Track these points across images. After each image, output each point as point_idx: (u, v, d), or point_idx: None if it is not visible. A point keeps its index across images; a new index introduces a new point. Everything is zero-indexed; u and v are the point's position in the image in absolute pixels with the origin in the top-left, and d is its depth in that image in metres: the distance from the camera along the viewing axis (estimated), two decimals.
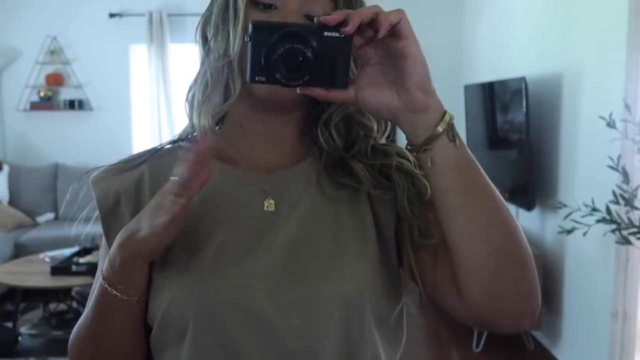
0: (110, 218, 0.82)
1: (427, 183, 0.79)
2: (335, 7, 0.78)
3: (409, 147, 0.72)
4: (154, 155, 0.86)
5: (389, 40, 0.67)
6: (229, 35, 0.77)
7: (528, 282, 0.72)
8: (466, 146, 0.71)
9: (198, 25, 0.83)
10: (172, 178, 0.70)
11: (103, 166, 0.85)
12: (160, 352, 0.80)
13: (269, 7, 0.76)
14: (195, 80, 0.82)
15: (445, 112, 0.69)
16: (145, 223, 0.72)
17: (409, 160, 0.83)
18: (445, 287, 0.77)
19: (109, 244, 0.80)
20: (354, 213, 0.82)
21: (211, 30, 0.80)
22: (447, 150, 0.69)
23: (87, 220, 0.86)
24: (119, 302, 0.75)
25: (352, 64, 0.70)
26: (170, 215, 0.70)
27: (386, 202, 0.82)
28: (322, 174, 0.84)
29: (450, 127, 0.69)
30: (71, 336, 0.83)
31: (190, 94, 0.83)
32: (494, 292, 0.71)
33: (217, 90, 0.79)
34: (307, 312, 0.75)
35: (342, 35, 0.67)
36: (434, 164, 0.70)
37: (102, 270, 0.77)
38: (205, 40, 0.82)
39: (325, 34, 0.67)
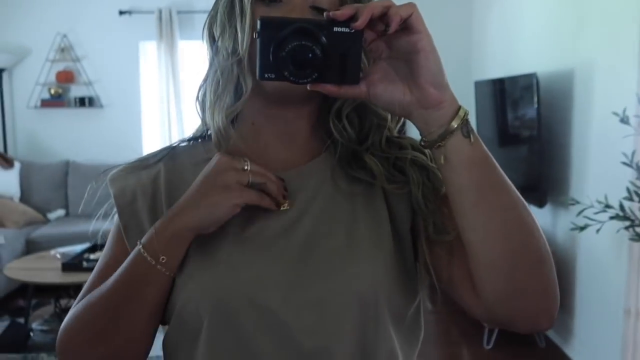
0: (128, 214, 0.83)
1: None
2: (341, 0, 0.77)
3: (422, 144, 0.71)
4: (169, 153, 0.87)
5: (400, 34, 0.66)
6: (236, 32, 0.77)
7: (546, 280, 0.71)
8: (481, 142, 0.69)
9: (205, 25, 0.83)
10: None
11: (120, 165, 0.86)
12: (175, 352, 0.79)
13: (274, 0, 0.76)
14: (205, 80, 0.82)
15: (459, 107, 0.68)
16: (208, 199, 0.74)
17: (424, 153, 0.82)
18: (461, 284, 0.76)
19: (128, 239, 0.82)
20: (369, 208, 0.81)
21: (218, 29, 0.80)
22: (461, 147, 0.68)
23: (104, 217, 0.87)
24: (153, 274, 0.75)
25: (363, 59, 0.69)
26: (241, 200, 0.73)
27: (401, 197, 0.81)
28: (336, 169, 0.83)
29: (465, 122, 0.68)
30: (62, 328, 0.80)
31: (200, 93, 0.83)
32: (510, 291, 0.70)
33: (228, 89, 0.79)
34: (322, 311, 0.74)
35: (352, 30, 0.65)
36: (447, 160, 0.69)
37: (141, 242, 0.76)
38: (213, 40, 0.81)
39: (335, 29, 0.66)
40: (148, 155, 0.88)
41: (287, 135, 0.84)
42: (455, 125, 0.67)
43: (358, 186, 0.82)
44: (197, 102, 0.84)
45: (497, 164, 0.70)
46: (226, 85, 0.79)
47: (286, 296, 0.74)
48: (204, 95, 0.82)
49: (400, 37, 0.66)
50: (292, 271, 0.75)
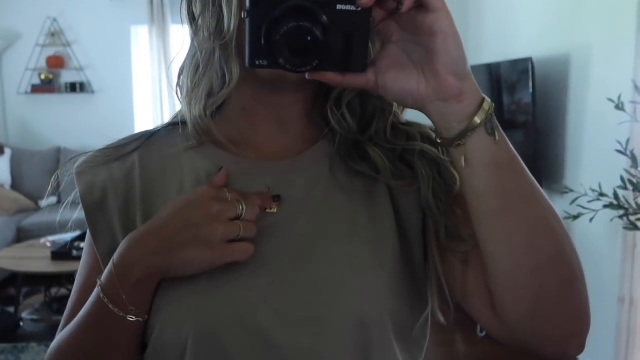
0: (96, 213, 0.72)
1: (456, 174, 0.67)
2: None
3: (439, 141, 0.60)
4: (145, 142, 0.75)
5: (414, 13, 0.55)
6: (221, 10, 0.65)
7: (577, 302, 0.62)
8: (508, 141, 0.59)
9: (182, 1, 0.71)
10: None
11: (89, 152, 0.75)
12: None
13: None
14: (184, 64, 0.72)
15: (483, 100, 0.58)
16: (183, 251, 0.62)
17: (434, 144, 0.70)
18: (478, 299, 0.66)
19: (96, 241, 0.72)
20: (372, 208, 0.71)
21: (198, 5, 0.68)
22: (484, 146, 0.57)
23: (74, 204, 0.78)
24: (122, 322, 0.65)
25: (370, 42, 0.58)
26: (221, 262, 0.63)
27: (409, 195, 0.71)
28: (335, 160, 0.72)
29: (490, 118, 0.57)
30: (50, 353, 0.72)
31: (181, 79, 0.73)
32: (536, 314, 0.61)
33: (208, 76, 0.69)
34: (318, 332, 0.64)
35: (359, 9, 0.56)
36: (468, 162, 0.58)
37: (100, 283, 0.65)
38: (193, 18, 0.70)
39: (338, 7, 0.56)
40: (122, 141, 0.76)
41: (281, 121, 0.73)
42: (479, 121, 0.57)
43: (359, 180, 0.72)
44: (178, 89, 0.74)
45: (525, 167, 0.60)
46: (206, 71, 0.68)
47: (278, 315, 0.64)
48: (183, 80, 0.73)
49: (415, 17, 0.55)
50: (284, 285, 0.65)
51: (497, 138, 0.58)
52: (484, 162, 0.58)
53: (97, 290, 0.65)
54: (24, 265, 3.49)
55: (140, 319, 0.65)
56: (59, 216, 0.93)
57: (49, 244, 3.71)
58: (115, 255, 0.65)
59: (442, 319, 0.73)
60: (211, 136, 0.72)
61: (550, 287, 0.60)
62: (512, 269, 0.60)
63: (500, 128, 0.59)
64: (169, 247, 0.63)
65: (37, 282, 3.83)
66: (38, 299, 3.73)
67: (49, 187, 0.80)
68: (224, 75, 0.69)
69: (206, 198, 0.64)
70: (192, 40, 0.71)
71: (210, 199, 0.64)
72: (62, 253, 3.47)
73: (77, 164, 0.75)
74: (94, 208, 0.73)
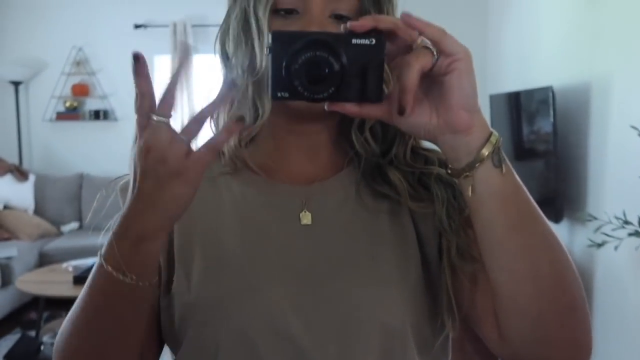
0: None
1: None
2: (360, 4, 0.71)
3: (449, 172, 0.64)
4: None
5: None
6: (253, 49, 0.71)
7: (578, 329, 0.64)
8: (514, 173, 0.62)
9: (216, 39, 0.77)
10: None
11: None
12: None
13: (290, 12, 0.70)
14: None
15: (490, 134, 0.62)
16: (158, 201, 0.60)
17: None
18: (484, 319, 0.70)
19: None
20: (396, 228, 0.76)
21: (231, 46, 0.74)
22: (491, 178, 0.61)
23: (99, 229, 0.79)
24: (123, 287, 0.63)
25: (386, 74, 0.63)
26: (196, 179, 0.60)
27: (427, 216, 0.75)
28: (361, 184, 0.78)
29: (497, 150, 0.61)
30: (58, 339, 0.72)
31: (215, 113, 0.78)
32: (537, 338, 0.64)
33: (242, 109, 0.75)
34: (345, 340, 0.68)
35: (373, 42, 0.60)
36: (475, 192, 0.62)
37: (100, 254, 0.64)
38: (226, 56, 0.76)
39: (354, 41, 0.60)
40: None
41: (310, 149, 0.79)
42: (486, 153, 0.61)
43: (384, 202, 0.77)
44: (212, 121, 0.78)
45: (530, 198, 0.63)
46: (240, 105, 0.74)
47: (307, 322, 0.69)
48: (218, 115, 0.78)
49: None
50: (314, 293, 0.70)
51: (504, 170, 0.61)
52: (490, 193, 0.61)
53: (97, 261, 0.65)
54: (45, 290, 3.53)
55: (141, 284, 0.64)
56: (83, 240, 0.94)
57: (70, 269, 3.74)
58: (113, 228, 0.64)
59: (450, 332, 0.76)
60: (245, 163, 0.78)
61: (550, 314, 0.63)
62: (514, 294, 0.63)
63: (507, 160, 0.62)
64: (150, 201, 0.61)
65: (59, 307, 3.85)
66: (59, 324, 3.74)
67: (94, 203, 0.80)
68: (256, 108, 0.74)
69: (139, 152, 0.61)
70: (226, 77, 0.76)
71: (143, 151, 0.61)
72: (84, 277, 3.46)
73: (120, 183, 0.78)
74: None
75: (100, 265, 0.64)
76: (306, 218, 0.75)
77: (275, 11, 0.71)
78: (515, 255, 0.62)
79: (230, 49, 0.75)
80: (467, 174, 0.61)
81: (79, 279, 3.48)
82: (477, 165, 0.61)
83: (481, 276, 0.70)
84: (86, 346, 0.69)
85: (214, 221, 0.76)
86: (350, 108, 0.62)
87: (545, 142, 3.42)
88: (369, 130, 0.77)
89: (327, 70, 0.59)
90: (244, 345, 0.68)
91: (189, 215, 0.73)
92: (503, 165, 0.61)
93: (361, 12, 0.71)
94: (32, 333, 3.63)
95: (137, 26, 5.25)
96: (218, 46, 0.77)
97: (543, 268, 0.62)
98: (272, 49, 0.61)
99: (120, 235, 0.62)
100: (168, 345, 0.78)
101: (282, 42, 0.60)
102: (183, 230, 0.75)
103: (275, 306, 0.69)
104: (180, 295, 0.73)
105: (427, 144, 0.77)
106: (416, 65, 0.58)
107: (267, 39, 0.69)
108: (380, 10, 0.72)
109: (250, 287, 0.70)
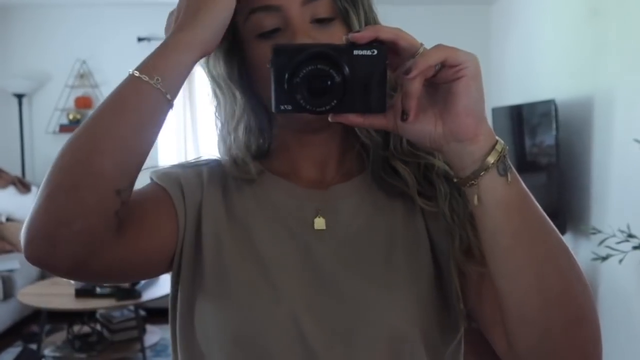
0: (170, 183, 0.77)
1: None
2: (335, 4, 0.72)
3: (455, 181, 0.64)
4: (212, 164, 0.83)
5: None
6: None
7: (586, 340, 0.63)
8: (521, 182, 0.62)
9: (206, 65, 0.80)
10: None
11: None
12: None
13: (274, 32, 0.71)
14: (219, 115, 0.80)
15: (496, 142, 0.61)
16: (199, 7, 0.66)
17: None
18: (493, 328, 0.69)
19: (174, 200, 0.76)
20: (409, 231, 0.76)
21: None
22: (496, 186, 0.60)
23: None
24: (148, 90, 0.64)
25: (389, 83, 0.63)
26: None
27: (438, 216, 0.75)
28: (374, 187, 0.78)
29: (502, 159, 0.60)
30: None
31: (219, 129, 0.81)
32: (544, 349, 0.63)
33: (243, 125, 0.78)
34: (352, 343, 0.69)
35: (375, 53, 0.60)
36: (480, 201, 0.61)
37: (132, 70, 0.66)
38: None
39: (355, 52, 0.60)
40: (185, 162, 0.85)
41: (320, 159, 0.80)
42: (492, 161, 0.60)
43: (398, 201, 0.77)
44: (220, 143, 0.81)
45: (538, 206, 0.63)
46: (238, 123, 0.78)
47: (318, 324, 0.69)
48: (223, 127, 0.81)
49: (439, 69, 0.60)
50: (328, 295, 0.71)
51: (510, 179, 0.61)
52: (495, 202, 0.61)
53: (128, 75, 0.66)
54: (47, 302, 3.51)
55: (164, 90, 0.65)
56: None
57: (72, 282, 3.73)
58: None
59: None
60: (262, 171, 0.80)
61: (557, 325, 0.61)
62: (520, 304, 0.62)
63: (513, 169, 0.61)
64: (192, 10, 0.67)
65: (60, 319, 3.84)
66: (60, 337, 3.73)
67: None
68: (258, 121, 0.78)
69: None
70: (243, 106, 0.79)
71: None
72: (86, 290, 3.48)
73: (151, 171, 0.80)
74: (169, 180, 0.78)
75: (128, 76, 0.66)
76: (319, 223, 0.75)
77: (260, 35, 0.72)
78: (522, 265, 0.61)
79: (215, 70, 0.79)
80: (473, 182, 0.61)
81: (81, 292, 3.47)
82: (482, 173, 0.60)
83: (489, 285, 0.68)
84: (89, 143, 0.65)
85: (236, 221, 0.77)
86: (354, 119, 0.63)
87: (548, 155, 3.42)
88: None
89: (329, 83, 0.59)
90: (254, 343, 0.69)
91: (213, 211, 0.77)
92: (509, 174, 0.61)
93: (340, 12, 0.72)
94: (34, 346, 3.61)
95: (140, 39, 5.27)
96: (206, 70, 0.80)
97: (550, 278, 0.61)
98: (274, 63, 0.61)
99: (157, 49, 0.66)
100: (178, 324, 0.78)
101: (283, 56, 0.61)
102: (209, 224, 0.77)
103: (289, 306, 0.70)
104: (210, 262, 0.74)
105: None
106: (418, 71, 0.58)
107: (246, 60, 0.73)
108: (356, 7, 0.73)
109: (267, 289, 0.71)
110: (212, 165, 0.82)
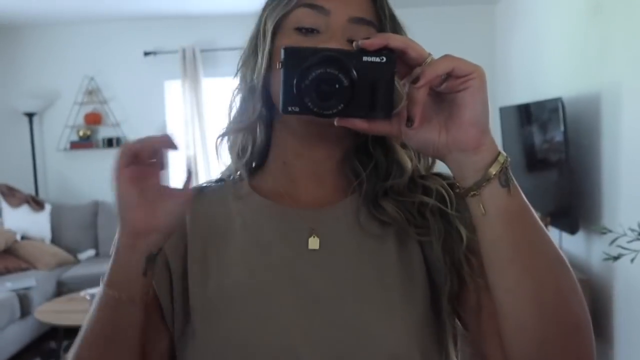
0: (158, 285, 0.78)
1: (464, 230, 0.73)
2: (377, 32, 0.73)
3: (456, 191, 0.65)
4: (196, 195, 0.82)
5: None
6: (255, 62, 0.76)
7: (581, 350, 0.64)
8: (522, 194, 0.63)
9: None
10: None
11: None
12: None
13: (310, 31, 0.72)
14: (228, 128, 0.82)
15: (499, 153, 0.62)
16: (141, 211, 0.66)
17: (450, 196, 0.76)
18: (489, 339, 0.71)
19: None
20: (403, 253, 0.76)
21: (241, 60, 0.79)
22: (498, 197, 0.61)
23: None
24: (113, 302, 0.68)
25: (396, 91, 0.63)
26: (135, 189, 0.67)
27: (432, 244, 0.76)
28: (364, 211, 0.78)
29: (504, 170, 0.61)
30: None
31: (225, 138, 0.83)
32: (540, 358, 0.64)
33: (248, 136, 0.80)
34: None
35: (384, 60, 0.61)
36: (482, 211, 0.62)
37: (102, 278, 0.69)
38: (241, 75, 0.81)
39: (365, 58, 0.61)
40: None
41: (318, 174, 0.80)
42: (494, 172, 0.61)
43: (391, 228, 0.77)
44: (231, 152, 0.83)
45: (537, 219, 0.63)
46: (245, 134, 0.80)
47: (314, 349, 0.69)
48: (228, 137, 0.83)
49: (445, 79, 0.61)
50: (323, 321, 0.71)
51: (511, 190, 0.61)
52: (497, 212, 0.62)
53: (101, 287, 0.70)
54: (64, 319, 3.55)
55: (124, 298, 0.67)
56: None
57: (88, 297, 3.76)
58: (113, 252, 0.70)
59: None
60: (255, 188, 0.81)
61: (554, 335, 0.62)
62: (518, 315, 0.63)
63: (515, 181, 0.62)
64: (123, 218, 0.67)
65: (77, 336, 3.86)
66: None
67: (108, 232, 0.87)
68: (263, 127, 0.79)
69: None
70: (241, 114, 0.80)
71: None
72: None
73: None
74: (157, 279, 0.77)
75: (101, 287, 0.69)
76: (314, 243, 0.75)
77: (297, 29, 0.73)
78: (520, 276, 0.62)
79: (240, 63, 0.80)
80: (474, 192, 0.62)
81: None
82: (484, 184, 0.61)
83: (486, 296, 0.70)
84: (85, 354, 0.72)
85: (225, 244, 0.78)
86: (359, 124, 0.63)
87: (557, 153, 3.40)
88: (370, 155, 0.79)
89: (336, 87, 0.60)
90: None
91: (200, 237, 0.78)
92: (510, 185, 0.62)
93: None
94: None
95: (146, 53, 5.31)
96: (240, 64, 0.81)
97: (547, 289, 0.62)
98: (284, 64, 0.62)
99: (113, 256, 0.68)
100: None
101: (293, 58, 0.62)
102: (195, 252, 0.78)
103: (282, 330, 0.70)
104: (196, 292, 0.75)
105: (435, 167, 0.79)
106: (425, 80, 0.59)
107: (269, 50, 0.73)
108: (397, 33, 0.74)
109: (258, 312, 0.72)
110: (196, 199, 0.81)
